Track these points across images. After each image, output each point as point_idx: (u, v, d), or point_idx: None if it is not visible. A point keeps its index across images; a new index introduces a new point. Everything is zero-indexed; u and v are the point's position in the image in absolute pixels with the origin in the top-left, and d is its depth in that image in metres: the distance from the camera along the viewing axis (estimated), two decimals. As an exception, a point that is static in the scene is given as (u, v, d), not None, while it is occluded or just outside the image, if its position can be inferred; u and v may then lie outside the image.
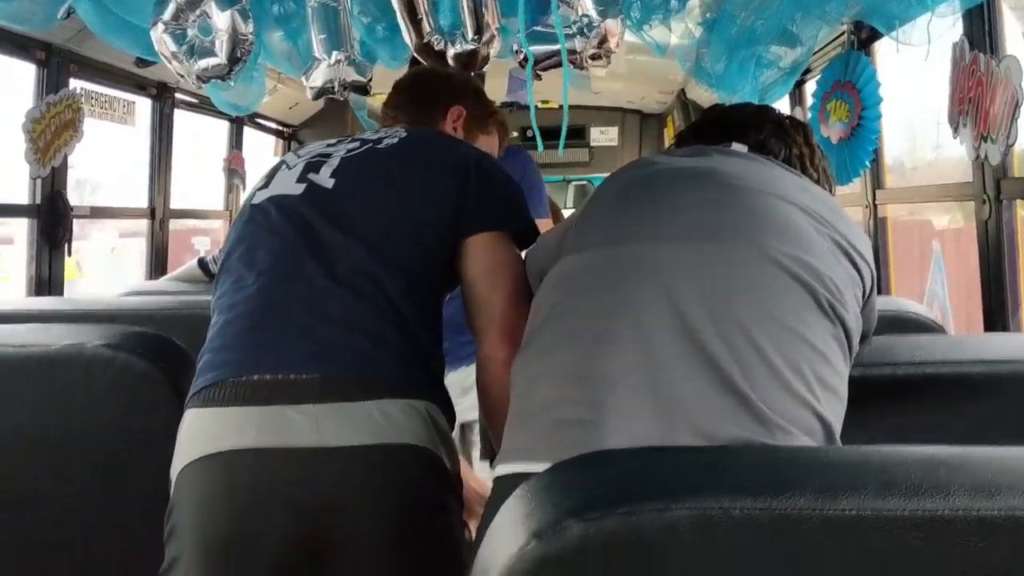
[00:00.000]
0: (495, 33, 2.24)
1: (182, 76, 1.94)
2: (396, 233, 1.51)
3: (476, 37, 2.22)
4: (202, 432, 1.41)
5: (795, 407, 1.16)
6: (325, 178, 1.57)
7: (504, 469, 1.29)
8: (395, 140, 1.63)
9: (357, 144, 1.64)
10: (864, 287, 1.33)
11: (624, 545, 0.68)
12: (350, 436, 1.36)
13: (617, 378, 1.19)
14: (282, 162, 1.68)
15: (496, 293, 1.55)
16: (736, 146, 1.49)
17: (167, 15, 1.87)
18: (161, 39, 1.89)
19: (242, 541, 1.36)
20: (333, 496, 1.35)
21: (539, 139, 1.86)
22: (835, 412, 1.21)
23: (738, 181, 1.35)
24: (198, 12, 1.89)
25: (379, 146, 1.62)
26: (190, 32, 1.91)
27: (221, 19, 1.89)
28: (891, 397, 1.40)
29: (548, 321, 1.33)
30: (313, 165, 1.60)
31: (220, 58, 1.90)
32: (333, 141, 1.69)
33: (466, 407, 2.10)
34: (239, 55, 1.92)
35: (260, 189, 1.63)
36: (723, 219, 1.29)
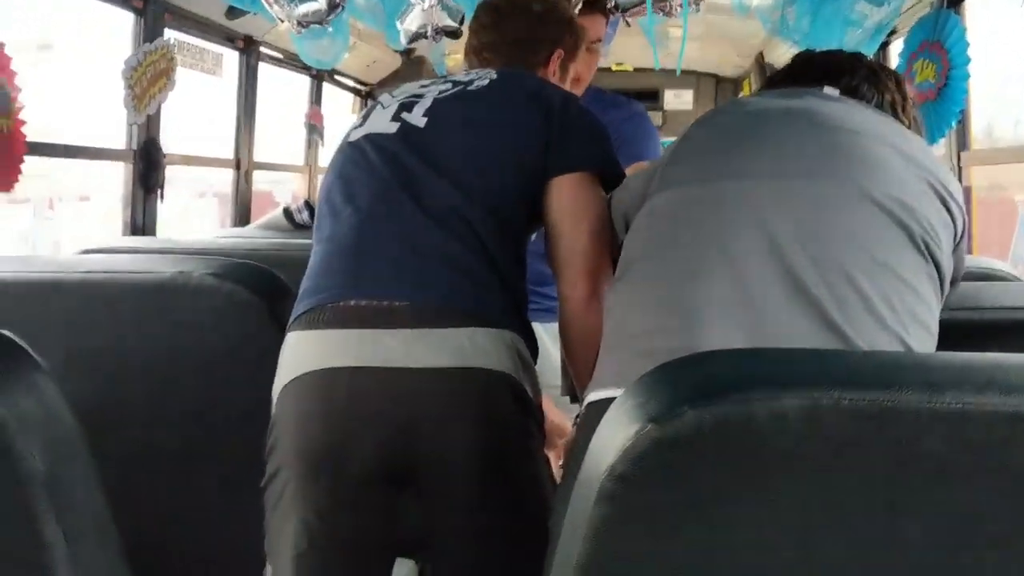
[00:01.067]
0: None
1: (282, 20, 2.01)
2: (485, 171, 1.57)
3: None
4: (303, 352, 1.49)
5: (887, 338, 1.19)
6: (418, 117, 1.62)
7: (596, 395, 1.34)
8: (486, 82, 1.68)
9: (449, 85, 1.69)
10: (956, 230, 1.35)
11: (735, 431, 0.73)
12: (439, 359, 1.43)
13: (712, 308, 1.23)
14: (377, 102, 1.73)
15: (579, 232, 1.60)
16: (828, 90, 1.51)
17: (270, -38, 1.94)
18: (264, -15, 1.95)
19: (338, 450, 1.45)
20: (422, 412, 1.43)
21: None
22: (926, 347, 1.24)
23: (833, 121, 1.37)
24: (300, -42, 1.95)
25: (470, 87, 1.67)
26: (292, -22, 1.97)
27: (322, -35, 1.95)
28: (977, 340, 1.40)
29: (642, 255, 1.37)
30: (407, 105, 1.66)
31: (320, 3, 1.96)
32: (427, 82, 1.74)
33: None
34: (337, 1, 1.98)
35: (356, 128, 1.69)
36: (819, 157, 1.32)
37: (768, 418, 0.72)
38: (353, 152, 1.64)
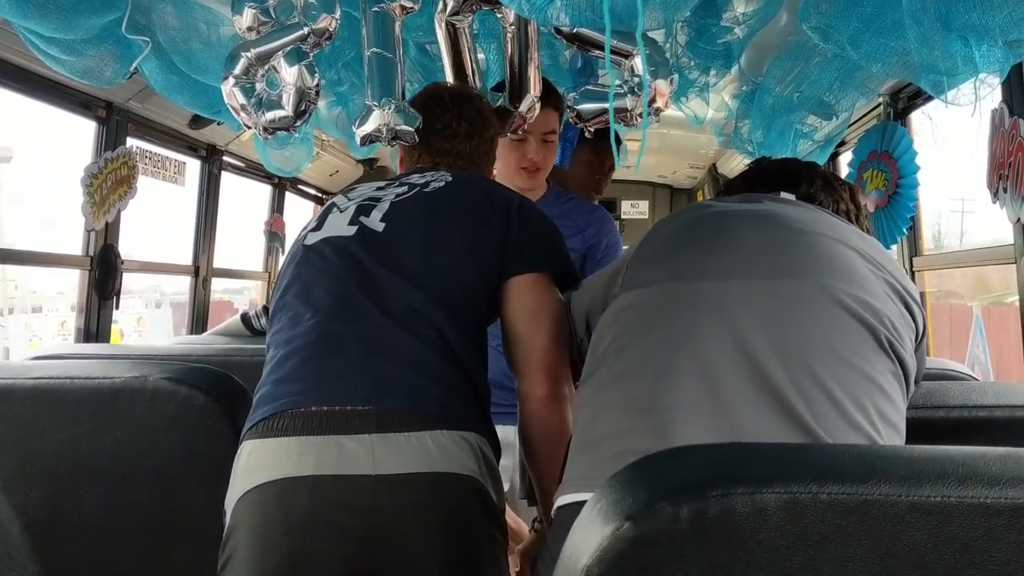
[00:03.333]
0: (535, 101, 2.32)
1: (249, 127, 2.02)
2: (444, 272, 1.57)
3: (515, 104, 2.32)
4: (261, 462, 1.43)
5: (857, 438, 1.18)
6: (375, 221, 1.63)
7: (566, 499, 1.31)
8: (441, 184, 1.69)
9: (405, 188, 1.70)
10: (917, 330, 1.36)
11: (715, 526, 0.71)
12: (405, 464, 1.39)
13: (682, 409, 1.22)
14: (332, 204, 1.73)
15: (537, 332, 1.61)
16: (785, 195, 1.54)
17: (238, 70, 1.95)
18: (231, 92, 1.96)
19: (300, 565, 1.38)
20: (388, 521, 1.38)
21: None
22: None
23: (796, 223, 1.39)
24: (267, 67, 1.97)
25: (426, 190, 1.68)
26: (258, 86, 1.99)
27: (289, 73, 1.97)
28: (945, 438, 1.41)
29: (609, 354, 1.36)
30: (364, 208, 1.66)
31: (287, 110, 1.98)
32: (382, 184, 1.75)
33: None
34: (304, 108, 2.00)
35: (312, 231, 1.68)
36: (784, 258, 1.33)
37: (748, 513, 0.70)
38: (310, 255, 1.63)
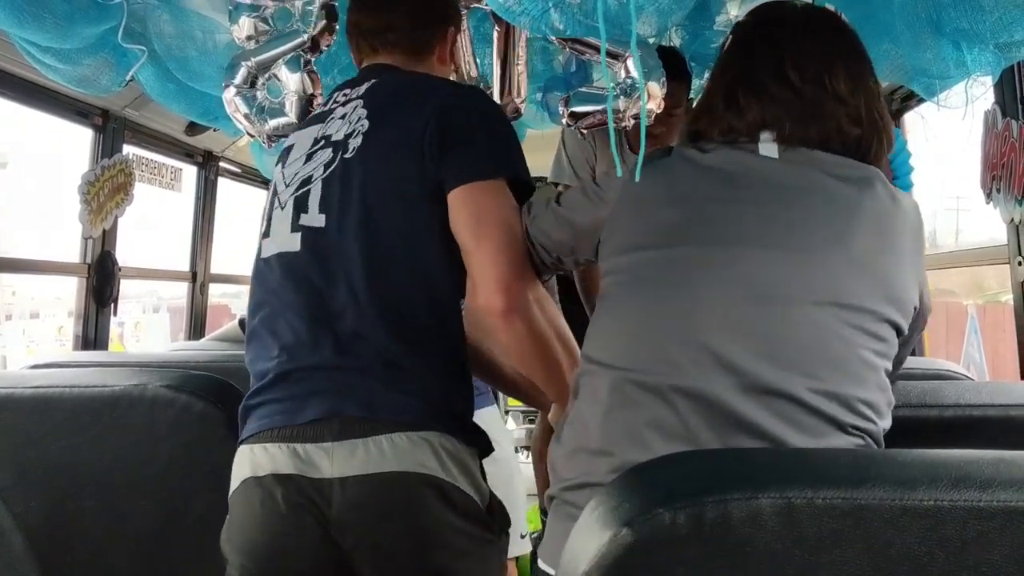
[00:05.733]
0: (518, 107, 2.30)
1: (252, 136, 2.02)
2: (389, 283, 1.52)
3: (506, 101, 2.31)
4: (248, 462, 1.52)
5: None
6: (314, 215, 1.56)
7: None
8: (359, 140, 1.57)
9: (329, 154, 1.59)
10: (904, 330, 1.32)
11: (711, 532, 0.72)
12: (358, 467, 1.45)
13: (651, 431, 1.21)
14: (274, 194, 1.65)
15: (483, 243, 1.50)
16: (765, 145, 1.34)
17: (239, 79, 1.96)
18: (232, 101, 1.97)
19: (276, 552, 1.48)
20: (345, 518, 1.46)
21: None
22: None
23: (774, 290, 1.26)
24: (268, 75, 1.98)
25: (347, 155, 1.57)
26: (260, 94, 1.99)
27: (291, 80, 1.98)
28: (939, 438, 1.42)
29: (599, 357, 1.35)
30: (300, 202, 1.58)
31: (290, 117, 1.99)
32: (312, 147, 1.62)
33: None
34: (308, 114, 2.01)
35: (264, 237, 1.64)
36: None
37: (744, 518, 0.71)
38: (267, 274, 1.60)
